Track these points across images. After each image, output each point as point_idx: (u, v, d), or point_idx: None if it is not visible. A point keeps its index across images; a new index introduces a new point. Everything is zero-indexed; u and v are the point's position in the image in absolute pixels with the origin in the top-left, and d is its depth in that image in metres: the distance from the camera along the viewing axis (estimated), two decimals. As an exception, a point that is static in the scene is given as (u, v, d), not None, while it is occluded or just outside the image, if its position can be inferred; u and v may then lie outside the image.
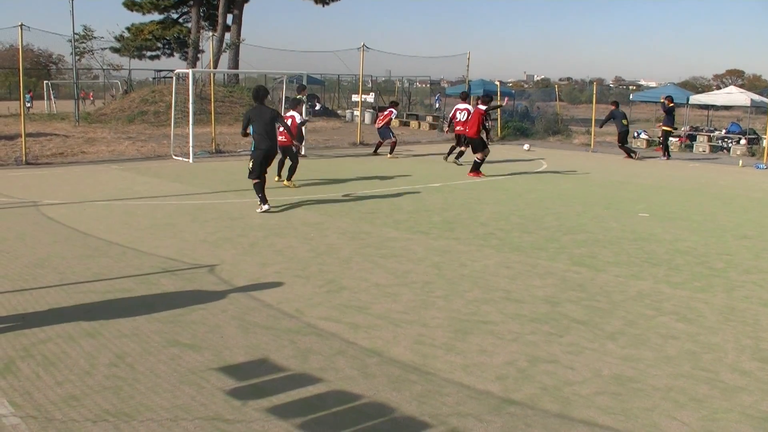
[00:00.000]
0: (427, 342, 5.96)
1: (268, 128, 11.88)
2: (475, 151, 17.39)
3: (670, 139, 27.79)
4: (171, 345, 5.74)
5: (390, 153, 21.55)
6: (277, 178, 15.05)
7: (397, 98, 44.12)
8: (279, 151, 13.57)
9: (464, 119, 19.61)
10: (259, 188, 11.84)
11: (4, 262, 8.28)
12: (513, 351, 5.81)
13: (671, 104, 23.45)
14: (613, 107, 23.80)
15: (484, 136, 17.58)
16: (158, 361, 5.40)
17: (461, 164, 19.49)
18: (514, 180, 16.89)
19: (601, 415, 4.66)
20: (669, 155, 23.69)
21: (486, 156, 17.45)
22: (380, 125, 21.89)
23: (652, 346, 5.99)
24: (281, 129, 12.80)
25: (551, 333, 6.26)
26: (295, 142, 14.25)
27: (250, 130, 12.11)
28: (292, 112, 15.02)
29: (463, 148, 20.08)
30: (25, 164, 17.66)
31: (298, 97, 17.33)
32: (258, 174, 11.88)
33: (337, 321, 6.43)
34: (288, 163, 14.83)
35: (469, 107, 19.56)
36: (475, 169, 17.30)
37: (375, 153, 22.23)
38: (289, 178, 14.79)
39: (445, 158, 20.55)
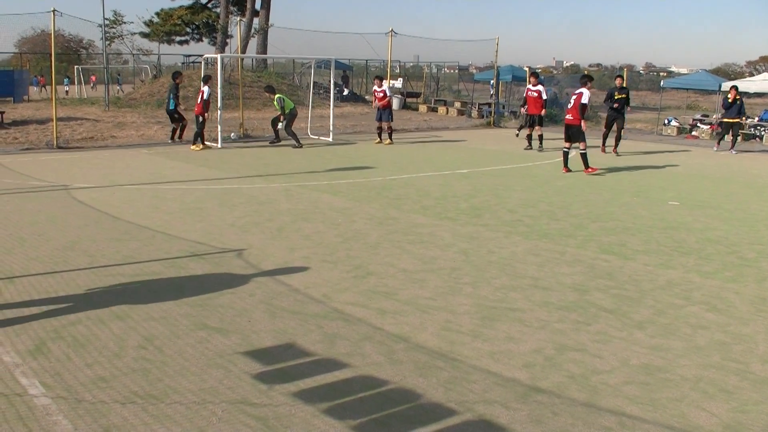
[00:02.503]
0: (454, 328, 5.95)
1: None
2: (579, 140, 15.84)
3: (702, 126, 27.44)
4: (199, 328, 5.78)
5: (380, 138, 21.32)
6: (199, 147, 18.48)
7: (426, 83, 43.97)
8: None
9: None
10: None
11: (35, 245, 8.38)
12: (540, 339, 5.78)
13: (737, 96, 21.81)
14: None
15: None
16: (186, 345, 5.44)
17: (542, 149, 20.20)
18: (542, 167, 16.78)
19: (629, 405, 4.63)
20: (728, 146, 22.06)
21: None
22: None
23: (681, 336, 5.93)
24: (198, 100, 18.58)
25: (579, 321, 6.22)
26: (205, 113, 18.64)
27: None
28: (202, 87, 18.64)
29: (529, 131, 20.63)
30: (56, 148, 17.86)
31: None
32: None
33: (364, 306, 6.44)
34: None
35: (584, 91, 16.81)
36: (587, 162, 15.82)
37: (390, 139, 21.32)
38: (194, 142, 18.62)
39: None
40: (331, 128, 21.87)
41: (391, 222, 10.05)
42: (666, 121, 28.81)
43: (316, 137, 21.93)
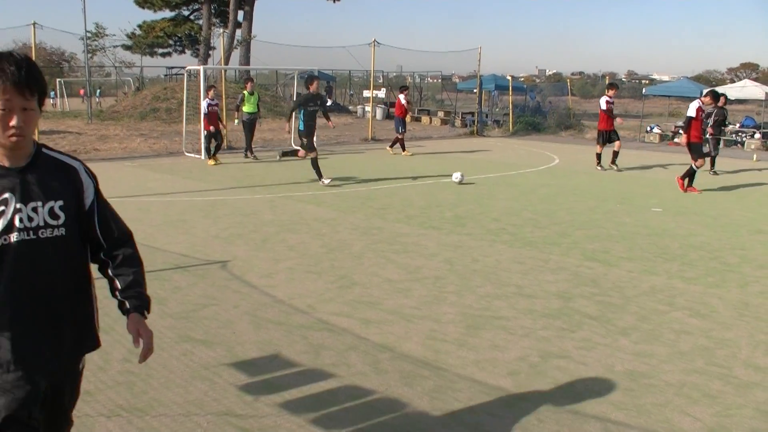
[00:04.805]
0: (439, 337, 5.95)
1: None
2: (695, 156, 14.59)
3: (683, 133, 27.59)
4: (183, 341, 5.76)
5: (391, 146, 21.40)
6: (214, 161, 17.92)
7: (409, 94, 44.11)
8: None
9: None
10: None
11: (17, 259, 8.31)
12: (525, 346, 5.80)
13: None
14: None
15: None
16: (171, 357, 5.42)
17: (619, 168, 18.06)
18: (525, 175, 16.84)
19: (614, 411, 4.65)
20: None
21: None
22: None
23: (665, 342, 5.96)
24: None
25: (563, 328, 6.25)
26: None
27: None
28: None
29: (599, 149, 18.10)
30: (39, 161, 17.71)
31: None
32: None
33: (349, 316, 6.44)
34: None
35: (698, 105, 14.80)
36: (691, 180, 14.73)
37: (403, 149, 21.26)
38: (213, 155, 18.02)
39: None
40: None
41: (375, 232, 10.06)
42: (648, 129, 29.02)
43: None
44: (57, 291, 2.70)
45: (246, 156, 19.37)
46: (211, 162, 17.77)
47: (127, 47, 44.06)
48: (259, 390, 4.85)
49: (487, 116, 33.47)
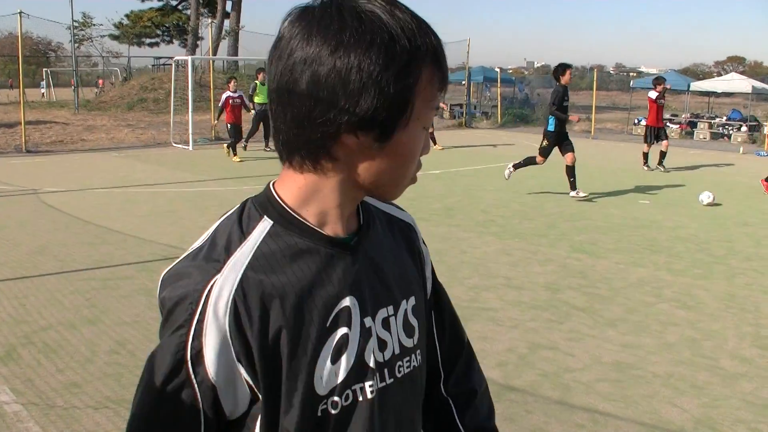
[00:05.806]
0: (428, 329, 5.95)
1: None
2: None
3: (671, 126, 27.73)
4: (172, 332, 5.73)
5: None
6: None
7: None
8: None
9: None
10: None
11: (4, 250, 8.28)
12: (513, 338, 5.81)
13: None
14: None
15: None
16: (159, 348, 5.39)
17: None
18: (514, 167, 16.82)
19: (602, 402, 4.67)
20: None
21: None
22: None
23: (652, 333, 5.99)
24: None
25: (551, 320, 6.27)
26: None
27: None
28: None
29: (646, 149, 16.95)
30: (25, 152, 17.65)
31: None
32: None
33: (338, 308, 6.42)
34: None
35: None
36: None
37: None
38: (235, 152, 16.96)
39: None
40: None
41: (364, 223, 10.02)
42: (636, 121, 29.08)
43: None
44: None
45: (266, 148, 18.56)
46: (236, 159, 16.72)
47: (114, 37, 43.86)
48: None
49: (475, 108, 33.48)
